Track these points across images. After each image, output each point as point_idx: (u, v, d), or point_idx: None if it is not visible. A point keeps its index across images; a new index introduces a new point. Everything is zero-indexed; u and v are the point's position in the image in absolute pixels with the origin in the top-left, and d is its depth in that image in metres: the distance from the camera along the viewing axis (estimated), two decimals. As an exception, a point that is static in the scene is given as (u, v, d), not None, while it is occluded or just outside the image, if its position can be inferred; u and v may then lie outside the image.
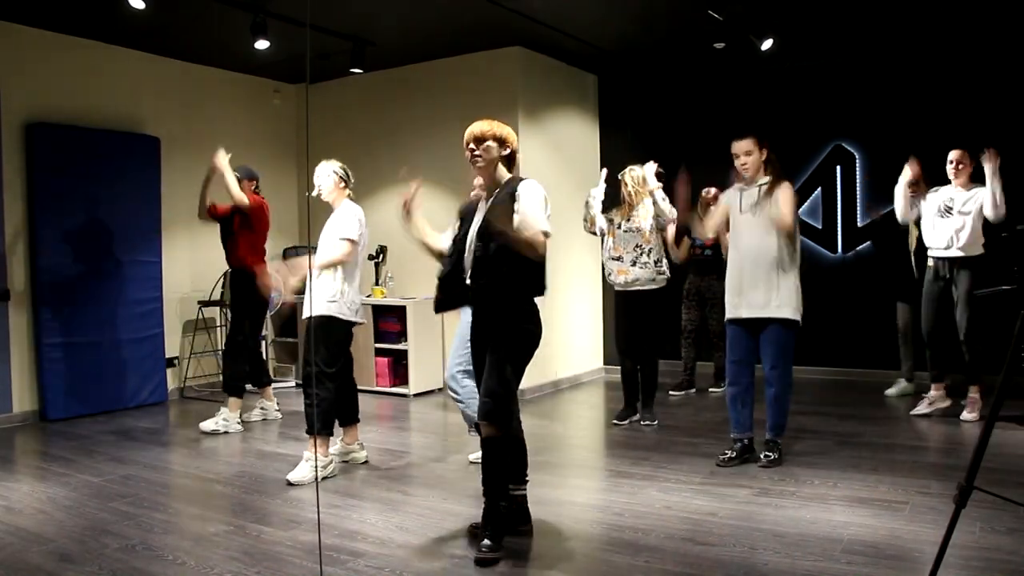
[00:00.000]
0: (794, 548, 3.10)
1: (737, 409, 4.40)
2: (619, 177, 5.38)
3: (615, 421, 5.47)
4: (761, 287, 4.20)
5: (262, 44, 5.73)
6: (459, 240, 3.26)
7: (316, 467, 4.18)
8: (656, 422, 5.35)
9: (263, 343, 7.07)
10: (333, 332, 4.24)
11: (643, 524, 3.44)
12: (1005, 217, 4.88)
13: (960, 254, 5.09)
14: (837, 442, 4.74)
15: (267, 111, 7.69)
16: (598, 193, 5.38)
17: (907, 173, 5.31)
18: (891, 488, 3.82)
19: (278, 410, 5.86)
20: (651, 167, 5.29)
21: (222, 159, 5.15)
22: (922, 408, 5.36)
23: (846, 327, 6.75)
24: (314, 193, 4.41)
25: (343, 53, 6.41)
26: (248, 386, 5.67)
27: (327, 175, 4.35)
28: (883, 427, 5.11)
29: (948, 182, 5.23)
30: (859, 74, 6.69)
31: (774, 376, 4.25)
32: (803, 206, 6.87)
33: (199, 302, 6.91)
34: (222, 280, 6.79)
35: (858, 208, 6.78)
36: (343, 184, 4.39)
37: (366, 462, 4.56)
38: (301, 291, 5.06)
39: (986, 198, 4.92)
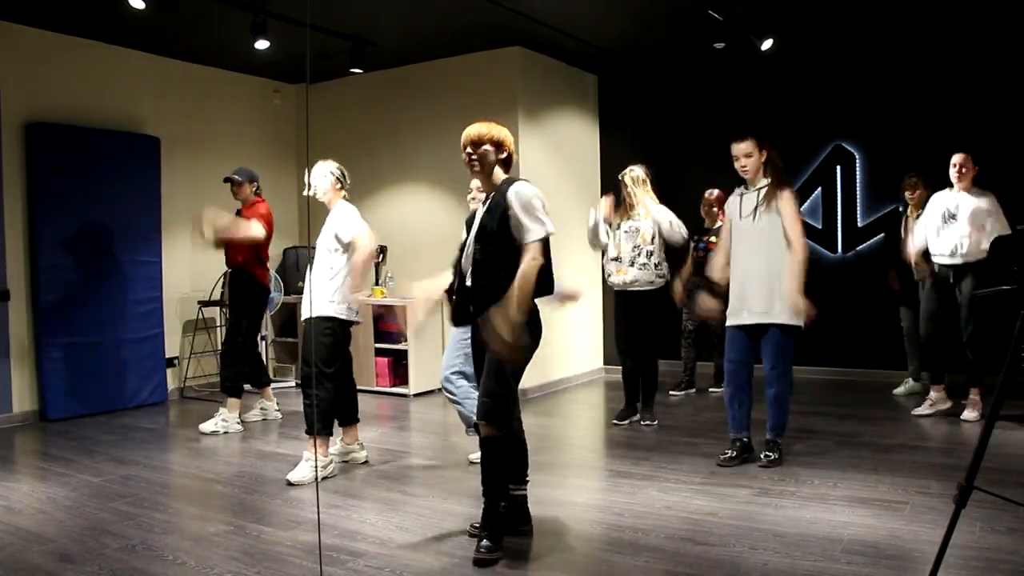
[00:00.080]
0: (794, 548, 3.10)
1: (734, 408, 4.41)
2: (619, 178, 5.39)
3: (615, 421, 5.47)
4: (762, 293, 4.20)
5: (262, 44, 5.73)
6: (464, 247, 3.28)
7: (316, 467, 4.18)
8: (656, 422, 5.35)
9: (263, 343, 7.08)
10: (333, 332, 4.25)
11: (643, 524, 3.44)
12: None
13: (964, 260, 5.08)
14: (837, 442, 4.74)
15: (267, 111, 7.69)
16: (599, 216, 5.33)
17: (603, 206, 5.30)
18: (891, 488, 3.82)
19: (278, 410, 5.86)
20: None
21: (217, 222, 5.09)
22: (923, 409, 5.36)
23: (846, 327, 6.75)
24: (308, 192, 4.41)
25: (343, 53, 6.41)
26: (247, 387, 5.67)
27: (323, 175, 4.35)
28: (883, 427, 5.11)
29: (950, 185, 5.22)
30: (859, 74, 6.69)
31: (774, 376, 4.25)
32: (803, 206, 6.86)
33: (199, 302, 6.91)
34: (222, 280, 6.79)
35: (858, 208, 6.78)
36: (339, 185, 4.39)
37: (366, 462, 4.56)
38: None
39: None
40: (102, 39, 6.22)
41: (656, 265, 5.22)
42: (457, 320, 3.35)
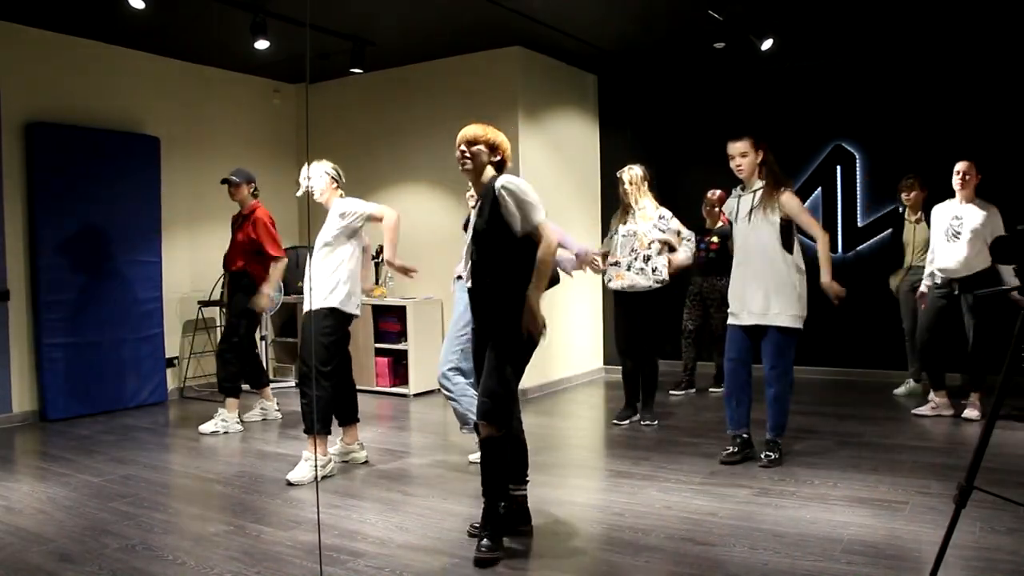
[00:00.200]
0: (794, 548, 3.10)
1: (732, 406, 4.42)
2: (617, 175, 5.38)
3: (615, 421, 5.47)
4: (761, 294, 4.21)
5: (262, 44, 5.73)
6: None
7: (316, 467, 4.18)
8: (656, 422, 5.35)
9: (263, 343, 7.08)
10: (332, 328, 4.23)
11: (643, 524, 3.44)
12: None
13: (969, 272, 5.08)
14: (837, 442, 4.74)
15: (267, 111, 7.69)
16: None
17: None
18: (891, 488, 3.82)
19: (278, 410, 5.86)
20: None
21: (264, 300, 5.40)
22: (924, 410, 5.37)
23: (846, 327, 6.75)
24: (299, 192, 4.41)
25: (343, 53, 6.41)
26: (246, 387, 5.67)
27: (319, 176, 4.35)
28: (883, 427, 5.11)
29: (951, 194, 5.21)
30: (859, 74, 6.69)
31: (773, 376, 4.26)
32: (803, 204, 6.86)
33: (199, 302, 6.91)
34: (222, 280, 6.79)
35: (858, 208, 6.78)
36: (335, 184, 4.40)
37: (366, 462, 4.56)
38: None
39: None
40: (102, 39, 6.22)
41: (654, 270, 5.20)
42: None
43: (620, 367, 5.59)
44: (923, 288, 5.44)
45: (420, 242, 7.00)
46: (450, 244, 6.26)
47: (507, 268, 3.10)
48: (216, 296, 6.90)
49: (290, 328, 7.65)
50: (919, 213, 5.82)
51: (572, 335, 7.25)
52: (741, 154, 4.27)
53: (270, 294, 5.43)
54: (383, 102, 7.40)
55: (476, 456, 4.46)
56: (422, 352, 6.80)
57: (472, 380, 4.05)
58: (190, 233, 6.94)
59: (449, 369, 4.26)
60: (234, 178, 5.41)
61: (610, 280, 5.32)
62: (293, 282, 7.30)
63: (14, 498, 4.00)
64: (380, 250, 7.23)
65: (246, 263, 5.39)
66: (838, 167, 6.84)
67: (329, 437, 4.37)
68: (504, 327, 3.11)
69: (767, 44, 6.10)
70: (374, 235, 6.90)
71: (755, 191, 4.27)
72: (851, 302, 6.68)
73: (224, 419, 5.42)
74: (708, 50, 6.69)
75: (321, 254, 4.29)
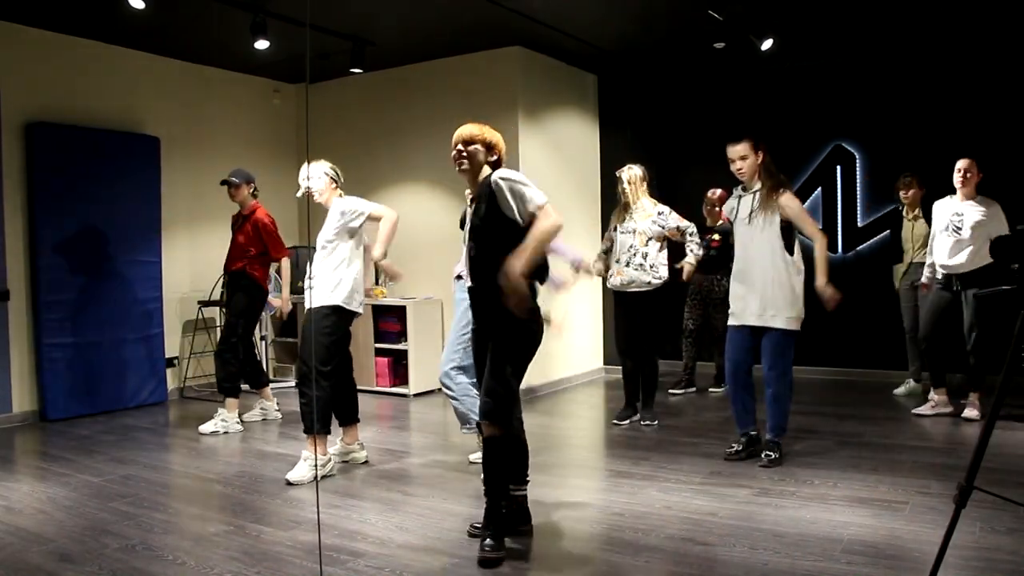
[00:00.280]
0: (794, 548, 3.10)
1: (738, 408, 4.46)
2: (616, 175, 5.38)
3: (615, 421, 5.47)
4: (760, 295, 4.22)
5: (262, 44, 5.73)
6: None
7: (316, 466, 4.18)
8: (656, 422, 5.35)
9: (263, 343, 7.08)
10: (332, 327, 4.23)
11: (643, 524, 3.44)
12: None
13: (967, 269, 5.08)
14: (837, 442, 4.74)
15: (267, 111, 7.69)
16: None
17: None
18: (891, 488, 3.82)
19: (278, 410, 5.86)
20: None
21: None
22: (924, 409, 5.37)
23: (846, 327, 6.74)
24: (299, 193, 4.41)
25: (343, 53, 6.41)
26: (245, 387, 5.67)
27: (318, 176, 4.34)
28: (883, 427, 5.11)
29: (952, 191, 5.21)
30: (859, 74, 6.69)
31: (773, 377, 4.27)
32: (803, 206, 6.86)
33: (199, 302, 6.91)
34: (221, 280, 6.79)
35: (858, 208, 6.78)
36: (334, 184, 4.40)
37: (366, 462, 4.56)
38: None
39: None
40: (102, 39, 6.22)
41: (652, 267, 5.20)
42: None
43: (620, 367, 5.59)
44: (924, 279, 5.45)
45: (420, 242, 7.01)
46: (450, 244, 6.26)
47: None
48: (216, 296, 6.89)
49: (290, 328, 7.65)
50: (917, 210, 5.83)
51: (572, 335, 7.25)
52: (741, 157, 4.28)
53: (286, 296, 5.60)
54: (383, 102, 7.40)
55: (476, 456, 4.46)
56: (422, 352, 6.80)
57: (474, 380, 4.05)
58: (190, 233, 6.93)
59: (451, 368, 4.26)
60: (234, 179, 5.41)
61: (610, 277, 5.32)
62: (293, 282, 7.30)
63: (14, 498, 4.00)
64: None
65: (246, 264, 5.39)
66: (838, 167, 6.84)
67: (329, 437, 4.37)
68: (504, 326, 3.11)
69: (767, 44, 6.10)
70: (374, 235, 6.90)
71: (755, 192, 4.28)
72: (851, 302, 6.70)
73: (224, 419, 5.41)
74: (708, 50, 6.69)
75: (322, 254, 4.29)
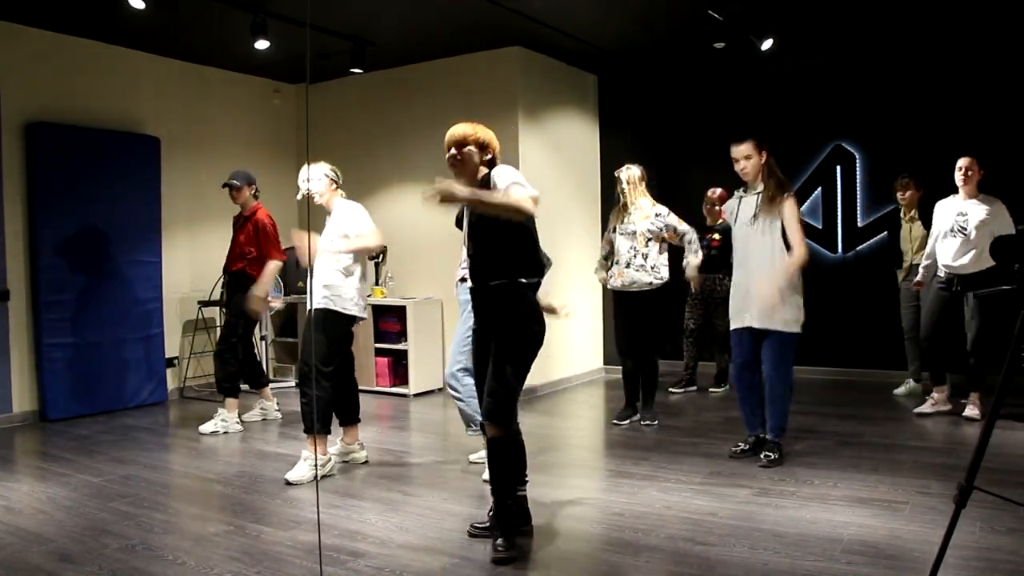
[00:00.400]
0: (794, 548, 3.10)
1: (746, 410, 4.49)
2: (615, 175, 5.38)
3: (615, 421, 5.47)
4: (760, 298, 4.21)
5: (262, 44, 5.73)
6: None
7: (316, 466, 4.18)
8: (656, 422, 5.35)
9: (263, 343, 7.08)
10: (333, 327, 4.23)
11: (643, 524, 3.44)
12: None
13: (974, 270, 5.07)
14: (837, 442, 4.74)
15: (267, 111, 7.69)
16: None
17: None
18: (891, 488, 3.82)
19: (278, 410, 5.86)
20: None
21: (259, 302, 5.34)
22: (925, 408, 5.37)
23: (846, 327, 6.75)
24: (299, 196, 4.41)
25: (343, 53, 6.41)
26: (245, 387, 5.67)
27: (318, 178, 4.34)
28: (883, 427, 5.11)
29: (955, 190, 5.20)
30: (859, 74, 6.69)
31: (773, 378, 4.28)
32: (803, 206, 6.86)
33: (199, 302, 6.91)
34: (222, 280, 6.79)
35: (858, 208, 6.78)
36: (334, 185, 4.40)
37: (366, 462, 4.56)
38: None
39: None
40: (102, 39, 6.22)
41: (653, 267, 5.20)
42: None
43: (620, 367, 5.59)
44: (919, 278, 5.43)
45: (420, 242, 7.01)
46: (450, 244, 6.25)
47: (507, 266, 3.10)
48: (216, 296, 6.89)
49: (290, 328, 7.65)
50: (914, 212, 5.83)
51: (572, 335, 7.25)
52: (745, 157, 4.28)
53: (262, 296, 5.37)
54: (383, 102, 7.40)
55: (476, 456, 4.47)
56: (422, 352, 6.80)
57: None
58: (190, 233, 6.93)
59: (458, 370, 4.25)
60: (235, 182, 5.41)
61: (611, 278, 5.32)
62: (293, 282, 7.30)
63: (14, 498, 4.00)
64: (380, 250, 7.26)
65: (246, 264, 5.39)
66: (838, 167, 6.84)
67: (329, 437, 4.37)
68: (506, 327, 3.11)
69: (767, 44, 6.10)
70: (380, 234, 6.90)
71: (758, 193, 4.27)
72: (851, 302, 6.75)
73: (224, 419, 5.42)
74: (708, 50, 6.69)
75: (324, 257, 4.29)
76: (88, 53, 6.19)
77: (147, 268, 6.45)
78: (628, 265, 5.20)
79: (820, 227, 6.90)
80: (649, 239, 5.18)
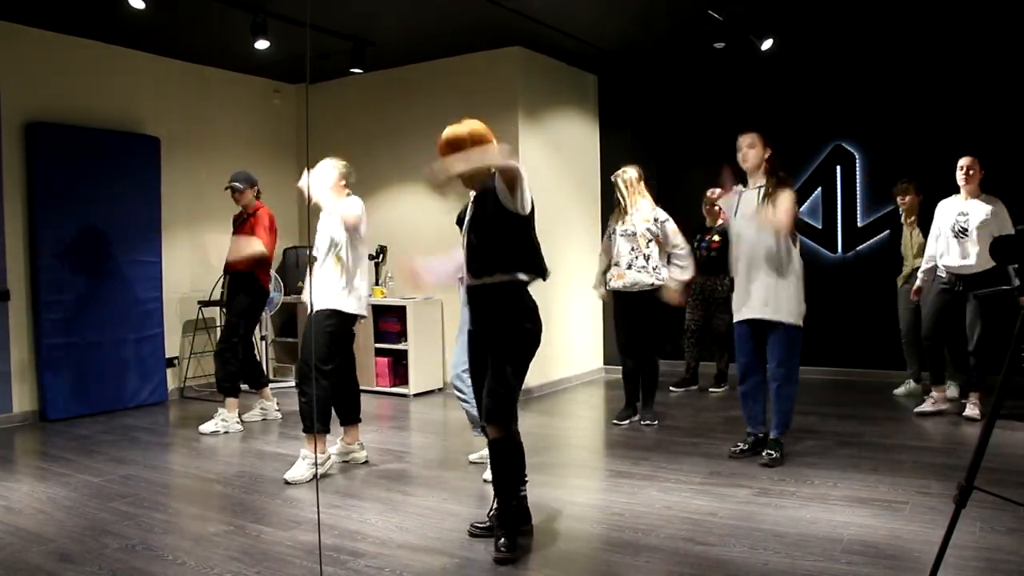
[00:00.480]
0: (794, 548, 3.10)
1: (749, 406, 4.48)
2: (612, 180, 5.38)
3: (615, 421, 5.47)
4: (762, 290, 4.22)
5: (262, 44, 5.73)
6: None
7: (316, 465, 4.18)
8: (656, 422, 5.35)
9: (263, 343, 7.08)
10: (334, 327, 4.23)
11: (643, 524, 3.44)
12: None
13: (975, 271, 5.06)
14: (837, 442, 4.74)
15: (267, 111, 7.69)
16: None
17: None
18: (891, 488, 3.82)
19: (278, 410, 5.86)
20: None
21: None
22: (926, 407, 5.37)
23: (846, 327, 6.75)
24: (307, 191, 4.40)
25: (343, 53, 6.41)
26: (244, 387, 5.67)
27: (327, 173, 4.35)
28: (883, 427, 5.11)
29: (956, 190, 5.19)
30: (859, 74, 6.69)
31: (779, 374, 4.28)
32: (803, 206, 6.87)
33: (199, 302, 6.91)
34: (222, 280, 6.79)
35: (858, 208, 6.78)
36: (343, 182, 4.39)
37: (366, 462, 4.56)
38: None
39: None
40: (102, 39, 6.22)
41: (655, 268, 5.20)
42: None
43: (620, 367, 5.59)
44: (919, 283, 5.43)
45: (420, 242, 7.00)
46: (450, 244, 6.25)
47: (505, 264, 3.09)
48: (216, 296, 6.89)
49: (290, 328, 7.65)
50: (914, 217, 5.82)
51: (572, 335, 7.25)
52: (749, 145, 4.30)
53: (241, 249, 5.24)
54: (383, 102, 7.40)
55: (476, 456, 4.47)
56: (422, 352, 6.80)
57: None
58: (190, 233, 6.93)
59: (463, 371, 4.23)
60: (237, 184, 5.41)
61: (610, 279, 5.32)
62: (293, 282, 7.31)
63: (14, 498, 4.00)
64: (380, 250, 7.26)
65: (247, 264, 5.39)
66: (838, 167, 6.84)
67: (329, 437, 4.37)
68: (503, 326, 3.11)
69: (767, 44, 6.10)
70: (374, 236, 6.90)
71: (759, 187, 4.28)
72: (851, 302, 6.75)
73: (224, 419, 5.42)
74: (708, 50, 6.69)
75: (325, 259, 4.28)
76: (88, 53, 6.19)
77: (147, 268, 6.45)
78: (630, 267, 5.20)
79: (820, 227, 6.90)
80: (650, 240, 5.18)
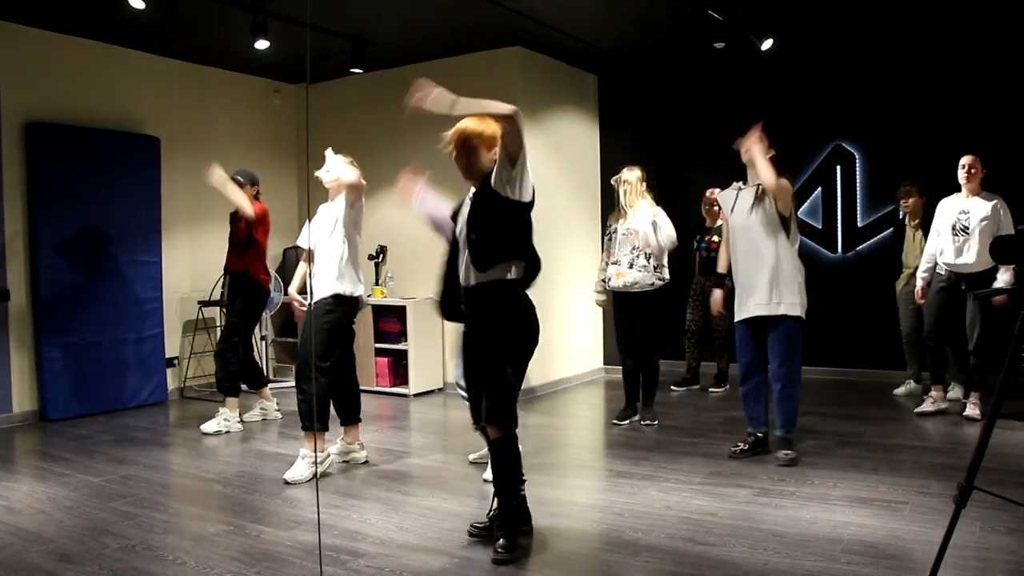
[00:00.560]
0: (794, 548, 3.10)
1: (750, 406, 4.48)
2: (612, 183, 5.38)
3: (615, 421, 5.47)
4: (763, 286, 4.22)
5: (262, 44, 5.73)
6: (451, 244, 3.27)
7: (316, 463, 4.18)
8: (656, 422, 5.35)
9: (263, 343, 7.08)
10: (334, 321, 4.21)
11: (643, 524, 3.44)
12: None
13: (976, 269, 5.06)
14: (837, 442, 4.74)
15: (267, 111, 7.69)
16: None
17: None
18: (891, 488, 3.82)
19: (277, 410, 5.86)
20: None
21: (218, 176, 5.09)
22: (926, 406, 5.36)
23: (846, 327, 6.75)
24: (321, 175, 4.42)
25: (343, 53, 6.41)
26: (244, 387, 5.67)
27: (338, 167, 4.40)
28: (883, 427, 5.11)
29: (957, 188, 5.19)
30: (859, 74, 6.69)
31: (782, 373, 4.28)
32: (803, 206, 6.88)
33: (199, 302, 6.91)
34: (222, 280, 6.79)
35: (858, 208, 6.78)
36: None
37: (366, 462, 4.56)
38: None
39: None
40: (102, 39, 6.22)
41: (656, 268, 5.19)
42: (450, 314, 3.34)
43: (620, 367, 5.59)
44: (920, 284, 5.41)
45: (420, 242, 6.98)
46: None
47: (505, 262, 3.08)
48: (216, 296, 6.89)
49: (290, 328, 7.65)
50: (918, 220, 5.81)
51: (572, 335, 7.25)
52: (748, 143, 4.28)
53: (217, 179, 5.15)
54: (383, 102, 7.39)
55: (476, 456, 4.47)
56: (422, 352, 6.80)
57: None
58: (190, 233, 6.93)
59: None
60: (239, 178, 5.41)
61: (610, 279, 5.31)
62: (288, 280, 7.30)
63: (14, 498, 4.00)
64: (380, 250, 7.26)
65: (247, 264, 5.39)
66: (838, 167, 6.84)
67: (329, 436, 4.37)
68: (502, 326, 3.10)
69: (767, 44, 6.10)
70: (374, 236, 6.91)
71: (757, 185, 4.27)
72: (851, 302, 6.74)
73: (226, 418, 5.42)
74: (708, 50, 6.69)
75: (323, 245, 4.29)
76: (88, 53, 6.19)
77: (147, 268, 6.45)
78: (631, 266, 5.19)
79: (820, 227, 6.90)
80: (649, 234, 5.16)
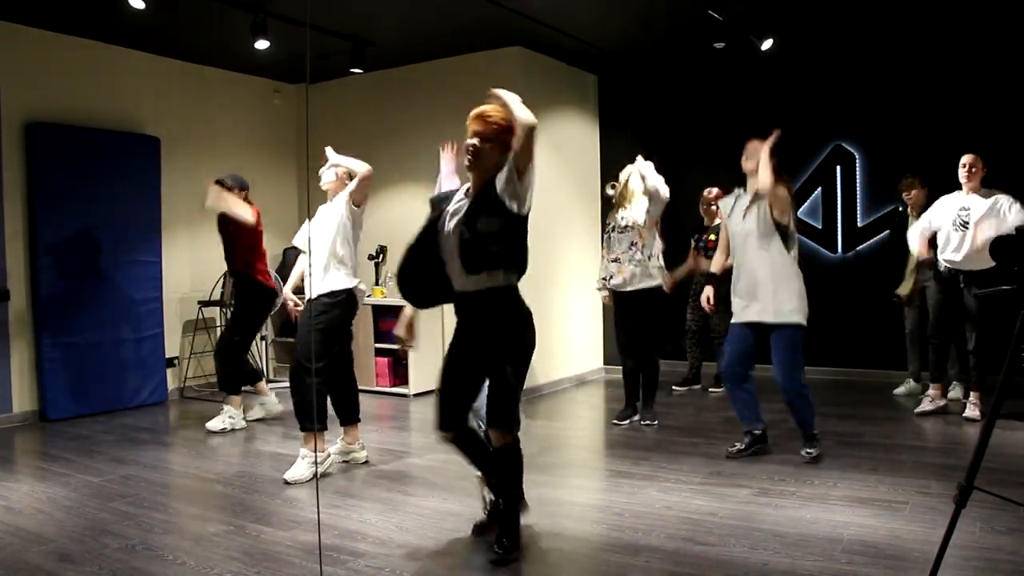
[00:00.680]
0: (794, 548, 3.10)
1: (738, 407, 4.47)
2: (612, 186, 5.38)
3: (615, 421, 5.47)
4: (764, 293, 4.23)
5: (262, 44, 5.74)
6: (427, 230, 3.21)
7: (316, 463, 4.18)
8: (656, 422, 5.35)
9: (263, 343, 7.09)
10: (329, 321, 4.20)
11: (643, 524, 3.44)
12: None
13: (977, 267, 5.04)
14: (837, 442, 4.74)
15: (267, 111, 7.69)
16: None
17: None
18: (891, 488, 3.82)
19: (277, 403, 5.85)
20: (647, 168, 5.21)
21: (213, 196, 5.16)
22: (925, 406, 5.36)
23: (846, 327, 6.75)
24: (322, 170, 4.45)
25: (343, 53, 6.41)
26: (245, 388, 5.67)
27: (332, 170, 4.39)
28: (883, 427, 5.11)
29: (958, 187, 5.19)
30: (859, 74, 6.69)
31: (788, 380, 4.27)
32: (803, 206, 6.88)
33: (199, 302, 6.91)
34: (222, 280, 6.79)
35: (858, 208, 6.78)
36: (348, 178, 4.42)
37: (366, 462, 4.56)
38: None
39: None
40: (102, 39, 6.22)
41: (656, 268, 5.19)
42: (422, 301, 3.36)
43: (620, 367, 5.59)
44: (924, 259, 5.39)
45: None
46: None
47: (502, 266, 3.06)
48: (216, 296, 6.89)
49: (290, 328, 7.63)
50: (920, 212, 5.80)
51: (572, 335, 7.25)
52: (754, 150, 4.28)
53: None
54: (383, 102, 7.40)
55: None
56: (422, 352, 6.78)
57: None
58: (190, 233, 6.93)
59: None
60: (227, 180, 5.39)
61: (611, 277, 5.31)
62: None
63: (14, 498, 4.00)
64: (380, 250, 7.26)
65: (248, 267, 5.39)
66: (838, 167, 6.84)
67: (329, 436, 4.37)
68: (503, 333, 3.08)
69: (767, 44, 6.10)
70: (374, 236, 6.90)
71: (756, 192, 4.27)
72: (851, 302, 6.74)
73: (231, 415, 5.43)
74: (708, 50, 6.69)
75: (320, 245, 4.29)
76: (88, 53, 6.19)
77: (147, 268, 6.45)
78: (629, 262, 5.19)
79: (820, 227, 6.90)
80: (644, 224, 5.14)
